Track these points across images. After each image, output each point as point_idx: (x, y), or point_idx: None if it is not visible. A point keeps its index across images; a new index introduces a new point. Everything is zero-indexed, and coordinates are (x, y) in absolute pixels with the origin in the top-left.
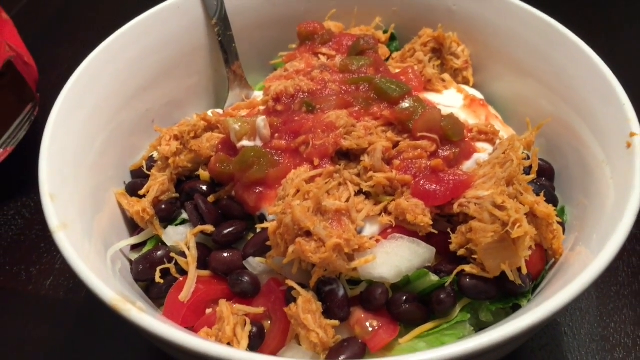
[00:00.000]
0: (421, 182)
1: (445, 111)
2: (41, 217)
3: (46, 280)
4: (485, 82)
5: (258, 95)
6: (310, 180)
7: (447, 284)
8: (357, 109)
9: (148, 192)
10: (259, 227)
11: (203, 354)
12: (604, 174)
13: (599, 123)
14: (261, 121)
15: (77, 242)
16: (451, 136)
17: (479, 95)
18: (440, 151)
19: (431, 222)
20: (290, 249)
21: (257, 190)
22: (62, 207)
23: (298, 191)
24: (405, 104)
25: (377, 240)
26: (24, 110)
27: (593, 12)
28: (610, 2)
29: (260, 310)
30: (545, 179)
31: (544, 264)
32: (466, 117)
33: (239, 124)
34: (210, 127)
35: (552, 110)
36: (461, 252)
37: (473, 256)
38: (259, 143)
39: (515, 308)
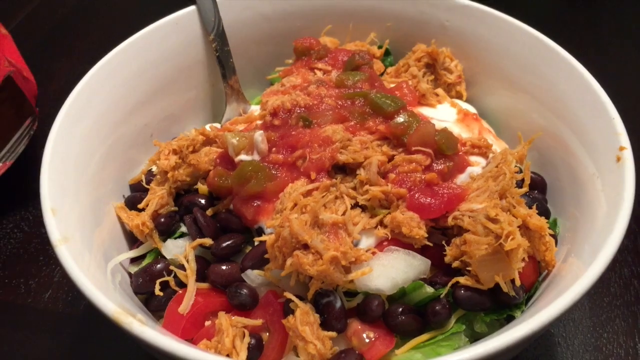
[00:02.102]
0: (416, 196)
1: (439, 125)
2: (40, 231)
3: (45, 293)
4: (477, 97)
5: (255, 109)
6: (308, 193)
7: (442, 296)
8: (352, 123)
9: (147, 205)
10: (257, 240)
11: None
12: (595, 187)
13: (589, 137)
14: (259, 135)
15: (78, 256)
16: (445, 150)
17: (472, 109)
18: (435, 165)
19: (426, 235)
20: (288, 261)
21: (255, 204)
22: (63, 221)
23: (295, 204)
24: (400, 119)
25: (373, 253)
26: (23, 124)
27: (583, 27)
28: (599, 19)
29: (258, 322)
30: (537, 191)
31: (537, 275)
32: (460, 131)
33: (237, 138)
34: (209, 141)
35: (544, 124)
36: (456, 264)
37: (467, 268)
38: (256, 157)
39: (509, 319)
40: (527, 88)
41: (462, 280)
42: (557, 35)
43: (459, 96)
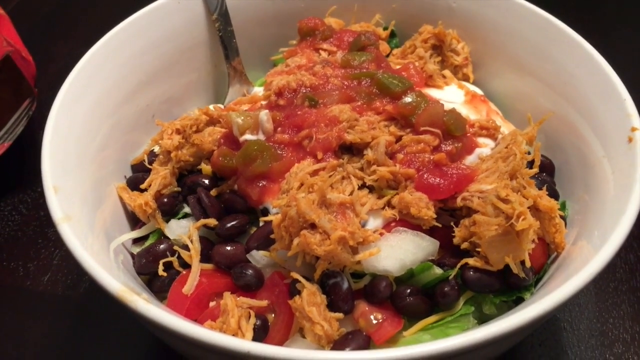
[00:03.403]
0: (425, 176)
1: (446, 107)
2: (38, 213)
3: (44, 276)
4: (484, 79)
5: (258, 90)
6: (314, 173)
7: (451, 277)
8: (359, 103)
9: (150, 185)
10: (262, 219)
11: (211, 345)
12: (604, 169)
13: (598, 119)
14: (264, 115)
15: (81, 234)
16: (453, 131)
17: (479, 91)
18: (443, 145)
19: (435, 216)
20: (295, 241)
21: (260, 184)
22: (65, 200)
23: (302, 184)
24: (408, 99)
25: (381, 234)
26: (22, 105)
27: (587, 12)
28: (602, 2)
29: (264, 303)
30: (545, 174)
31: (546, 257)
32: (467, 113)
33: (242, 117)
34: (212, 121)
35: (551, 106)
36: (464, 245)
37: (477, 249)
38: (261, 137)
39: (518, 301)
40: (535, 70)
41: (471, 261)
42: (560, 19)
43: (466, 78)
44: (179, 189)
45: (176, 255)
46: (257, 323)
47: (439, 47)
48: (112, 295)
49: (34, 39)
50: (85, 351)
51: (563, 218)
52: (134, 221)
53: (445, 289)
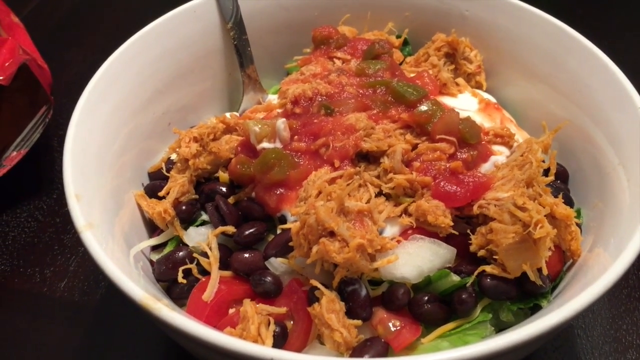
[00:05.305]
0: (441, 184)
1: (461, 114)
2: (54, 220)
3: (61, 282)
4: (497, 87)
5: (272, 98)
6: (332, 181)
7: (468, 284)
8: (375, 111)
9: (168, 193)
10: (280, 227)
11: (235, 352)
12: (620, 177)
13: (613, 127)
14: (281, 123)
15: (102, 242)
16: (469, 139)
17: (492, 99)
18: (459, 153)
19: (452, 223)
20: (314, 249)
21: (278, 192)
22: (87, 208)
23: (320, 192)
24: (424, 107)
25: (398, 241)
26: (38, 112)
27: (595, 18)
28: (610, 9)
29: (283, 310)
30: (560, 181)
31: (562, 264)
32: (481, 121)
33: (259, 126)
34: (229, 129)
35: (565, 114)
36: (481, 253)
37: (494, 257)
38: (278, 145)
39: (535, 308)
40: (548, 78)
41: (488, 269)
42: (569, 25)
43: (479, 86)
44: (197, 196)
45: (195, 262)
46: (277, 330)
47: (452, 55)
48: (136, 302)
49: (47, 46)
50: (101, 357)
51: (578, 225)
52: (152, 228)
53: (463, 296)
